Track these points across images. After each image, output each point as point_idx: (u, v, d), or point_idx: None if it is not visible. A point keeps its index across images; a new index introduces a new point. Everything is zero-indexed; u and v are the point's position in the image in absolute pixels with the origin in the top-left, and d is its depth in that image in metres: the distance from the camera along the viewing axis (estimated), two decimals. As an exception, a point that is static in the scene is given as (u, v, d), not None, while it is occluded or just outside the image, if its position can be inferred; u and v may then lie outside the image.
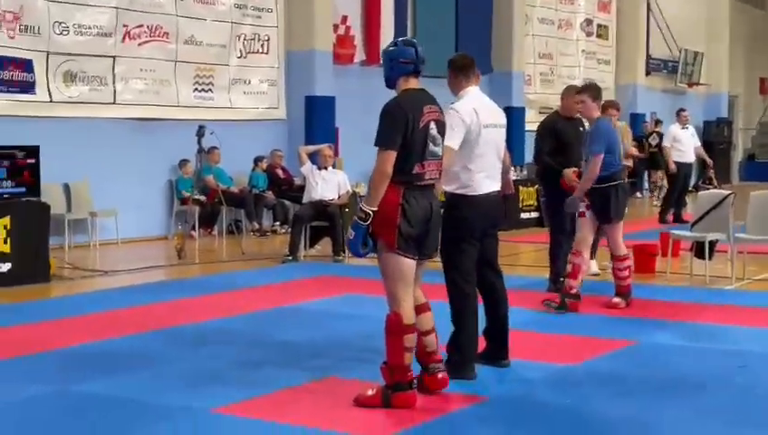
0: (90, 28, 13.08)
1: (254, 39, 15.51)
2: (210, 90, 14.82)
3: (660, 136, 20.53)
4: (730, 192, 10.09)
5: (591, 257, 9.69)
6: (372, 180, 5.17)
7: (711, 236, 9.75)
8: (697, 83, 28.24)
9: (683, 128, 16.30)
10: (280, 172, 15.39)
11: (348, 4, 16.77)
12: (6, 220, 9.58)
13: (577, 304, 8.11)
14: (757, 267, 10.46)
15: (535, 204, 15.71)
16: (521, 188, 15.52)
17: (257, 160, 15.17)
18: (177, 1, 14.28)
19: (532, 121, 19.53)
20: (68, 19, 12.81)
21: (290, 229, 12.43)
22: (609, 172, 8.14)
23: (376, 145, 5.17)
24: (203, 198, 14.07)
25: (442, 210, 5.65)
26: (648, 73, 25.99)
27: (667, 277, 10.05)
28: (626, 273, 8.38)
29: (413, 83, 5.35)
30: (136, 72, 13.72)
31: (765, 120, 32.64)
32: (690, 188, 17.94)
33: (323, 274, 10.58)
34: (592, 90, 8.39)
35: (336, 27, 16.46)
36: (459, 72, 6.01)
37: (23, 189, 10.06)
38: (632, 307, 8.28)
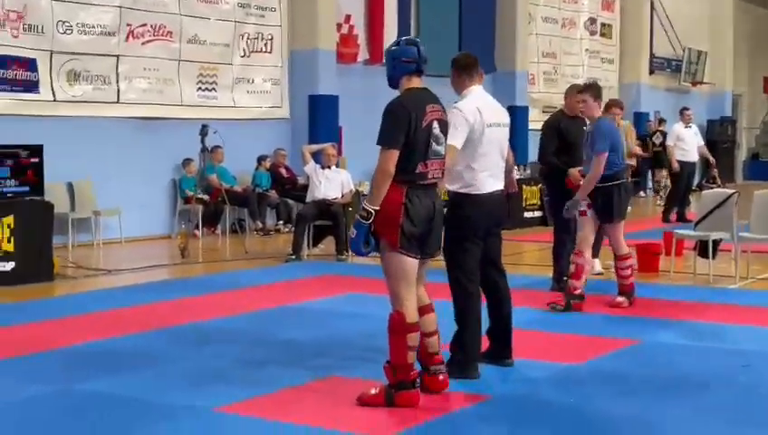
0: (93, 27, 13.09)
1: (257, 38, 15.51)
2: (214, 89, 14.82)
3: (664, 135, 20.47)
4: (734, 191, 10.09)
5: (595, 256, 9.69)
6: (375, 179, 5.16)
7: (714, 236, 9.74)
8: (701, 82, 28.18)
9: (686, 127, 16.24)
10: (283, 171, 15.39)
11: (351, 3, 16.76)
12: (10, 219, 9.60)
13: (581, 305, 8.11)
14: (761, 266, 10.43)
15: (539, 203, 15.72)
16: (524, 187, 15.50)
17: (260, 159, 15.18)
18: (181, 0, 14.29)
19: (535, 121, 19.54)
20: (71, 18, 12.82)
21: (293, 228, 12.42)
22: (612, 171, 8.14)
23: (378, 144, 5.16)
24: (206, 197, 14.10)
25: (445, 209, 5.64)
26: (651, 72, 25.95)
27: (670, 276, 10.04)
28: (628, 272, 8.36)
29: (416, 83, 5.34)
30: (139, 71, 13.73)
31: (769, 118, 32.67)
32: (694, 188, 17.89)
33: (326, 273, 10.58)
34: (593, 89, 8.37)
35: (339, 26, 16.45)
36: (462, 71, 5.99)
37: (26, 188, 10.06)
38: (635, 306, 8.26)
